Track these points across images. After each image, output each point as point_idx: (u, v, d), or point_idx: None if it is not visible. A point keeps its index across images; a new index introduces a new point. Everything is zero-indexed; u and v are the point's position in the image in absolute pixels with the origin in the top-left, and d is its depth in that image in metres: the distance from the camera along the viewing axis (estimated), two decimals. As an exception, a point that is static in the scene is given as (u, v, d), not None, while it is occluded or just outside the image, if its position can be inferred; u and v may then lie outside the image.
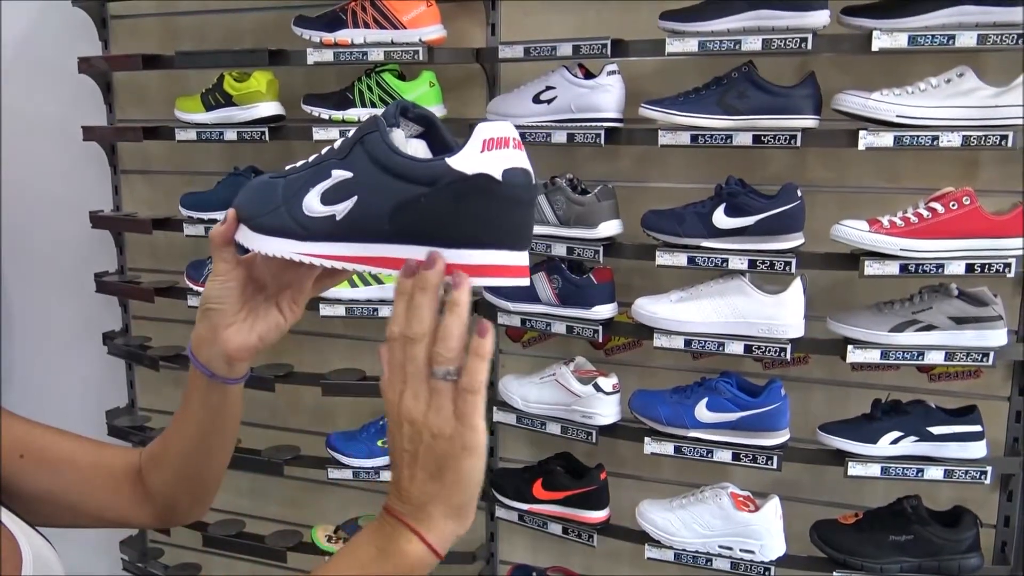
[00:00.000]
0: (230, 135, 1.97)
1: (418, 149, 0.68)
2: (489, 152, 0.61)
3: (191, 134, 2.01)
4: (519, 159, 0.62)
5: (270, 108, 1.96)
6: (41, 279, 2.55)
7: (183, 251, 2.22)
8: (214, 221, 2.01)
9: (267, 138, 1.96)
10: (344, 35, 1.84)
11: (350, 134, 0.67)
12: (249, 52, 1.96)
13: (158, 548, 2.46)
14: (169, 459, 0.86)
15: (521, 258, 0.63)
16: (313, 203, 0.67)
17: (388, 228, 0.63)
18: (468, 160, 0.61)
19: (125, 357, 2.36)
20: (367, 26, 1.83)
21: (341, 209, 0.65)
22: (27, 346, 2.62)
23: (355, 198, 0.65)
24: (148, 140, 2.10)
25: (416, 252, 0.63)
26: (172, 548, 2.42)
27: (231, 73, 1.97)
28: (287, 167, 0.72)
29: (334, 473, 2.02)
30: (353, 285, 1.92)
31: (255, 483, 2.30)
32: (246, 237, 0.71)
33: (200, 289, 2.05)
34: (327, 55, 1.84)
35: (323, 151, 0.69)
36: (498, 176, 0.61)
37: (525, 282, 0.63)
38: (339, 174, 0.66)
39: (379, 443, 1.99)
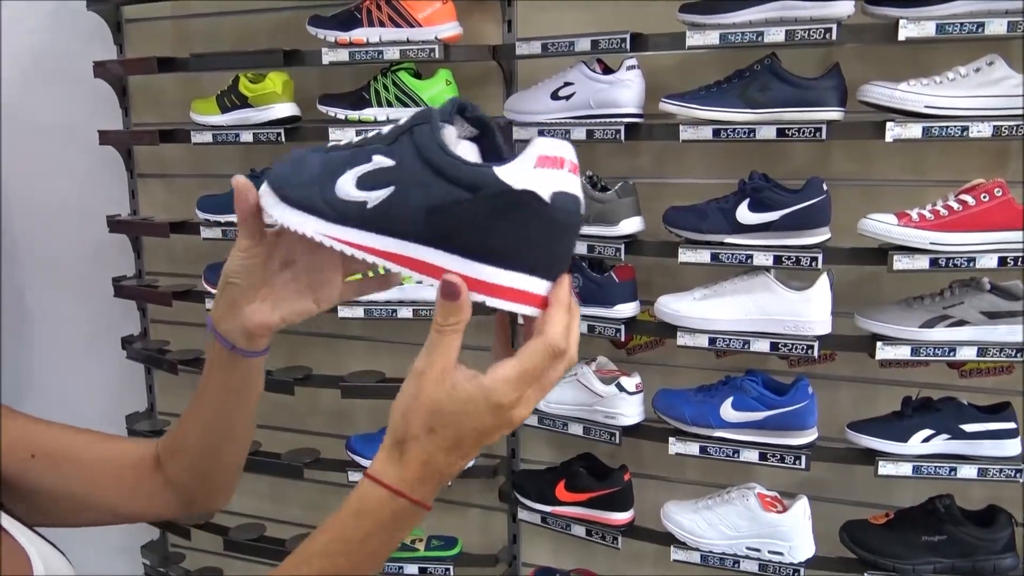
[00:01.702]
0: (246, 137, 1.96)
1: (468, 152, 0.65)
2: (542, 169, 0.57)
3: (207, 136, 2.00)
4: (571, 184, 0.59)
5: (286, 109, 1.95)
6: (60, 284, 2.55)
7: (200, 254, 2.21)
8: (231, 224, 2.01)
9: (283, 139, 1.94)
10: (359, 34, 1.82)
11: (401, 121, 0.64)
12: (264, 53, 1.94)
13: (179, 552, 2.45)
14: (188, 444, 0.83)
15: (544, 288, 0.60)
16: (347, 186, 0.63)
17: (419, 227, 0.60)
18: (518, 174, 0.57)
19: (144, 361, 2.36)
20: (382, 24, 1.81)
21: (374, 197, 0.62)
22: (47, 351, 2.63)
23: (392, 188, 0.61)
24: (164, 143, 2.09)
25: (441, 258, 0.60)
26: (193, 552, 2.41)
27: (246, 74, 1.96)
28: (330, 144, 0.69)
29: (354, 476, 2.00)
30: (371, 286, 1.90)
31: (275, 486, 2.29)
32: (271, 205, 0.67)
33: (218, 292, 2.04)
34: (342, 55, 1.83)
35: (369, 133, 0.66)
36: (546, 197, 0.57)
37: (536, 313, 0.60)
38: (380, 160, 0.62)
39: (399, 445, 1.96)
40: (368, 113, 1.87)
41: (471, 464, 1.95)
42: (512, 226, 0.58)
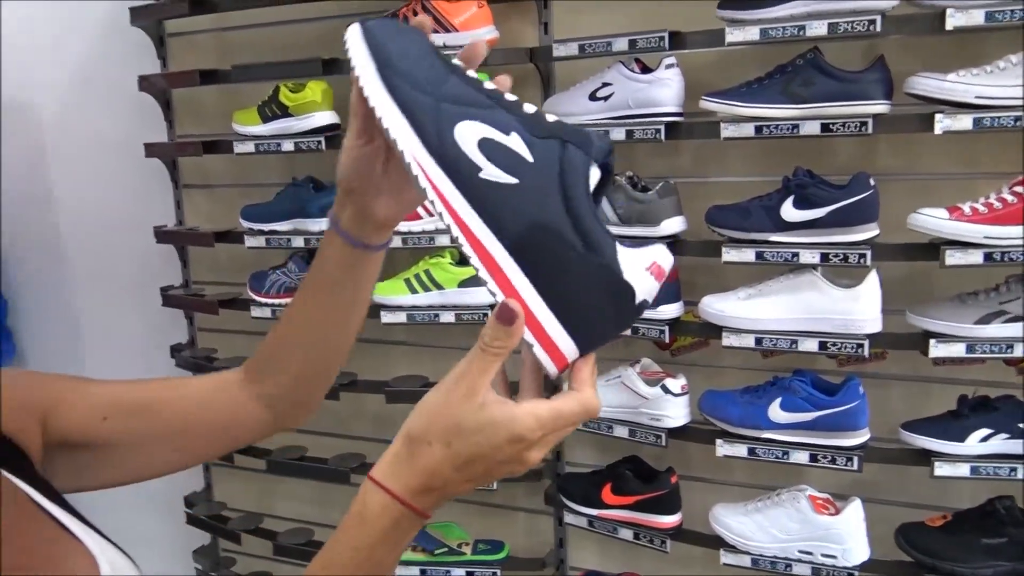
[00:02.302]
0: (287, 146, 1.98)
1: None
2: (648, 275, 0.59)
3: (249, 146, 2.03)
4: (654, 293, 0.60)
5: (326, 117, 1.96)
6: (110, 294, 2.61)
7: (245, 263, 2.24)
8: (275, 232, 2.04)
9: (323, 147, 1.96)
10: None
11: (551, 118, 0.61)
12: (303, 63, 1.97)
13: (230, 557, 2.49)
14: (288, 353, 0.84)
15: (573, 355, 0.60)
16: (470, 138, 0.59)
17: (516, 234, 0.59)
18: (631, 266, 0.58)
19: (192, 369, 2.39)
20: (419, 31, 1.82)
21: (493, 174, 0.59)
22: (99, 360, 2.68)
23: (515, 181, 0.59)
24: (208, 154, 2.12)
25: (517, 276, 0.59)
26: (244, 557, 2.45)
27: (286, 84, 1.98)
28: (454, 58, 0.64)
29: (400, 481, 2.01)
30: (413, 291, 1.91)
31: (322, 491, 2.31)
32: (371, 83, 0.61)
33: (264, 300, 2.07)
34: (380, 62, 1.83)
35: (507, 95, 0.62)
36: (637, 299, 0.59)
37: (553, 372, 0.61)
38: (517, 144, 0.60)
39: (444, 450, 1.97)
40: None
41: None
42: (595, 299, 0.58)
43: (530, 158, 0.59)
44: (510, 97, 0.62)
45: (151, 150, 2.25)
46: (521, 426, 0.59)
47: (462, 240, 0.60)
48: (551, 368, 0.60)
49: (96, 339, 2.68)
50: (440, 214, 0.60)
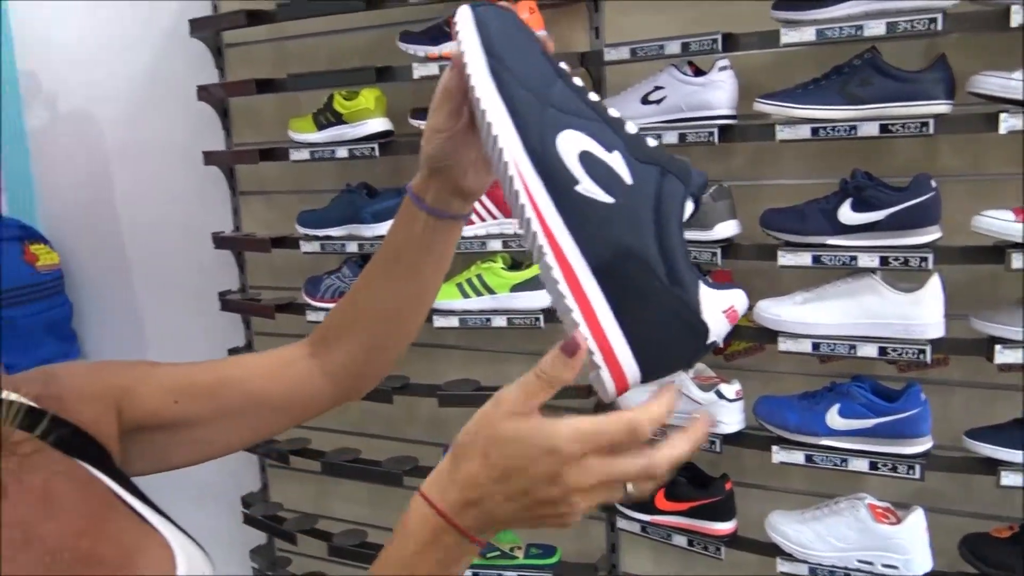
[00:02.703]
0: (341, 153, 2.01)
1: None
2: (724, 318, 0.59)
3: (304, 154, 2.07)
4: (724, 335, 0.60)
5: (379, 124, 1.99)
6: (171, 300, 2.67)
7: (300, 268, 2.28)
8: (330, 238, 2.07)
9: (377, 154, 1.99)
10: (449, 47, 1.84)
11: (651, 142, 0.60)
12: (357, 71, 2.00)
13: (286, 557, 2.53)
14: (359, 326, 0.85)
15: (633, 382, 0.59)
16: (571, 148, 0.58)
17: (602, 255, 0.57)
18: (710, 306, 0.58)
19: (249, 372, 2.44)
20: (471, 37, 1.83)
21: (589, 189, 0.58)
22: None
23: (611, 201, 0.58)
24: (264, 162, 2.17)
25: (597, 298, 0.58)
26: (299, 557, 2.49)
27: (340, 92, 2.02)
28: (563, 64, 0.63)
29: (452, 484, 2.02)
30: (465, 296, 1.92)
31: (376, 493, 2.34)
32: (480, 76, 0.59)
33: (319, 304, 2.10)
34: (432, 68, 1.85)
35: (612, 111, 0.61)
36: (709, 339, 0.59)
37: (610, 392, 0.59)
38: (618, 163, 0.59)
39: (496, 454, 1.98)
40: (448, 46, 1.88)
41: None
42: (669, 332, 0.58)
43: (629, 180, 0.59)
44: (613, 113, 0.61)
45: (209, 158, 2.30)
46: (557, 439, 0.58)
47: (546, 249, 0.59)
48: (610, 389, 0.59)
49: (157, 342, 2.75)
50: (528, 220, 0.59)
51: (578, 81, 0.62)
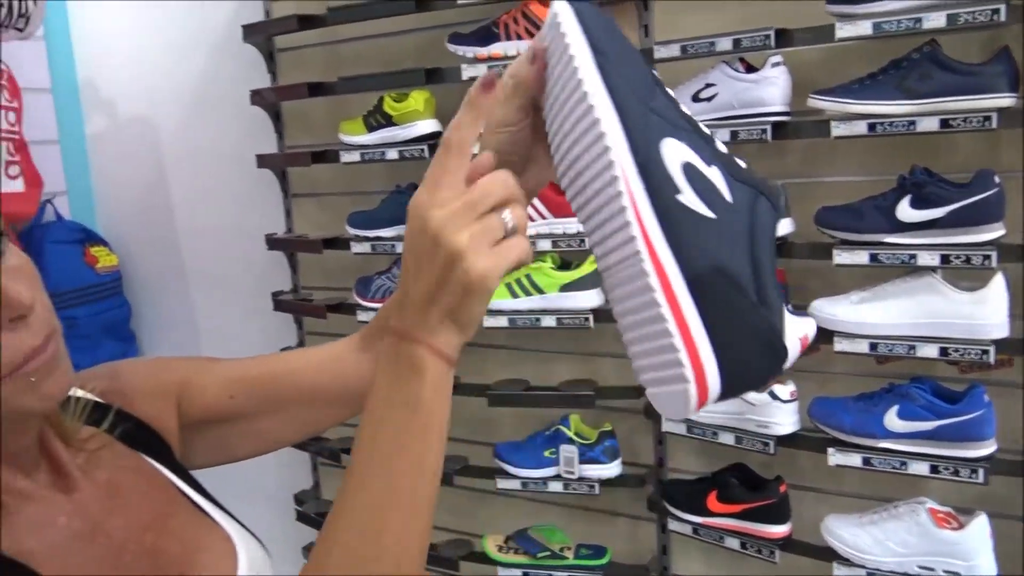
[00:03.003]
0: (391, 154, 2.03)
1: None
2: (797, 343, 0.59)
3: (355, 156, 2.09)
4: (788, 362, 0.60)
5: (428, 126, 2.00)
6: (225, 301, 2.72)
7: (351, 268, 2.31)
8: (380, 239, 2.09)
9: (426, 155, 2.00)
10: (498, 48, 1.85)
11: (741, 163, 0.60)
12: (406, 73, 2.01)
13: (337, 554, 2.56)
14: None
15: (713, 397, 0.58)
16: (674, 157, 0.57)
17: (697, 269, 0.57)
18: (791, 333, 0.59)
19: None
20: (519, 38, 1.84)
21: (691, 202, 0.57)
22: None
23: (712, 217, 0.57)
24: (316, 164, 2.19)
25: (690, 310, 0.57)
26: (350, 554, 2.51)
27: (390, 94, 2.03)
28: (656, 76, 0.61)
29: (502, 483, 2.03)
30: (514, 295, 1.92)
31: (425, 492, 2.35)
32: (588, 72, 0.58)
33: (370, 304, 2.12)
34: (481, 69, 1.86)
35: (703, 126, 0.61)
36: (785, 364, 0.59)
37: (693, 404, 0.59)
38: (718, 179, 0.58)
39: (546, 453, 1.98)
40: (497, 48, 1.87)
41: (617, 472, 1.93)
42: (754, 351, 0.58)
43: (729, 198, 0.58)
44: (704, 129, 0.61)
45: (262, 161, 2.34)
46: (412, 201, 0.60)
47: (644, 256, 0.57)
48: (692, 403, 0.58)
49: (212, 341, 2.80)
50: (627, 223, 0.58)
51: (671, 92, 0.62)
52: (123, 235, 2.82)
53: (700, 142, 0.59)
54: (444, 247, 0.58)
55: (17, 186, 2.28)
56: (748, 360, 0.58)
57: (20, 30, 2.22)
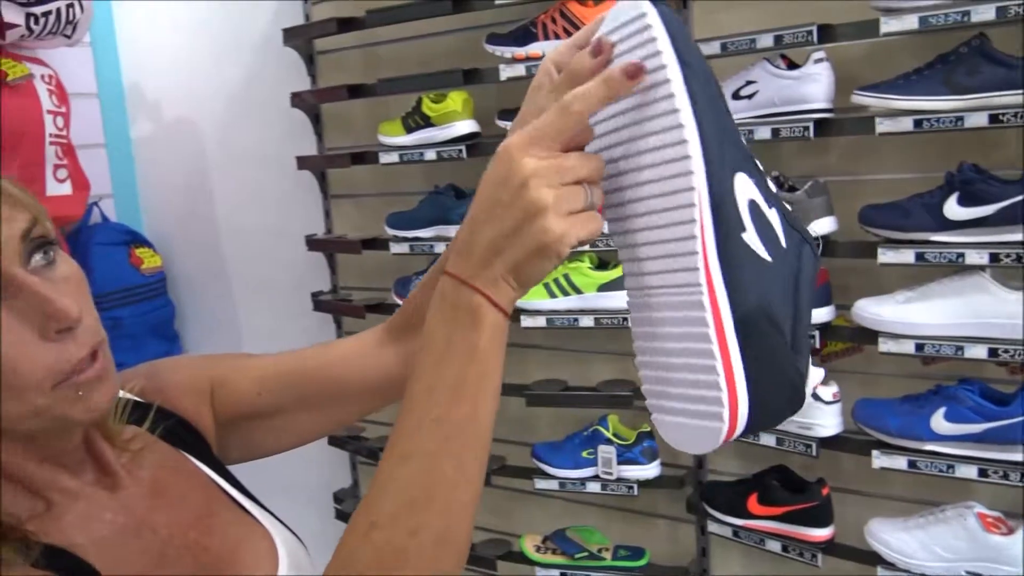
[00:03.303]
0: (430, 155, 2.04)
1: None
2: (810, 391, 0.61)
3: (393, 157, 2.10)
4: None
5: (466, 126, 2.01)
6: (266, 299, 2.76)
7: (389, 269, 2.32)
8: (418, 239, 2.10)
9: (464, 155, 2.00)
10: (536, 48, 1.85)
11: (790, 206, 0.61)
12: (445, 74, 2.02)
13: (375, 552, 2.58)
14: None
15: (739, 430, 0.58)
16: (743, 193, 0.57)
17: (746, 307, 0.56)
18: (811, 380, 0.61)
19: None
20: (558, 37, 1.83)
21: (753, 242, 0.57)
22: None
23: (769, 259, 0.57)
24: (355, 165, 2.21)
25: (730, 338, 0.57)
26: (388, 553, 2.53)
27: (428, 95, 2.04)
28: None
29: (540, 483, 2.03)
30: (552, 296, 1.92)
31: (463, 492, 2.36)
32: (678, 84, 0.56)
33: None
34: (519, 69, 1.86)
35: (758, 163, 0.60)
36: (796, 411, 0.60)
37: (722, 436, 0.58)
38: (776, 222, 0.58)
39: (584, 453, 1.97)
40: (535, 47, 1.86)
41: (656, 473, 1.92)
42: (780, 394, 0.58)
43: (783, 243, 0.58)
44: (759, 165, 0.61)
45: (302, 163, 2.37)
46: (503, 144, 0.59)
47: (704, 289, 0.56)
48: (720, 439, 0.58)
49: (253, 340, 2.84)
50: (693, 254, 0.56)
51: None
52: (167, 236, 2.87)
53: (762, 179, 0.59)
54: (528, 196, 0.57)
55: (65, 189, 2.33)
56: (773, 404, 0.58)
57: (68, 37, 2.27)
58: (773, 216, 0.58)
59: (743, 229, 0.56)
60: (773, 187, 0.60)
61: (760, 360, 0.57)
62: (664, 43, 0.56)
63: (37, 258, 0.61)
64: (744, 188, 0.57)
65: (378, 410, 0.92)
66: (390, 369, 0.88)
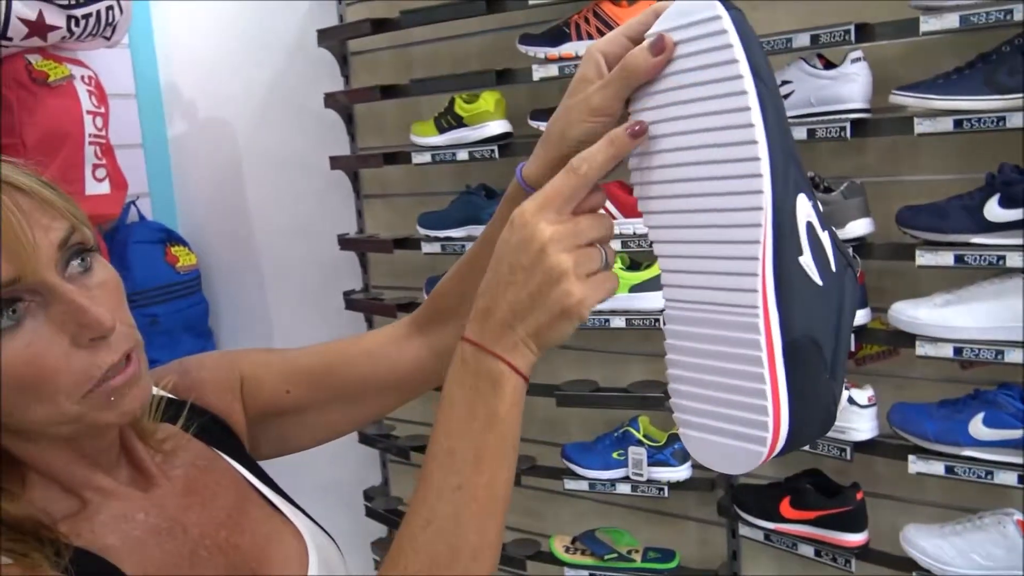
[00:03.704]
0: (462, 155, 2.04)
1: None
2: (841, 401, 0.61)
3: (426, 157, 2.11)
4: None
5: (499, 126, 2.01)
6: (298, 297, 2.78)
7: (421, 268, 2.33)
8: (450, 239, 2.10)
9: (496, 156, 2.01)
10: (568, 48, 1.84)
11: (835, 229, 0.61)
12: (477, 74, 2.03)
13: (405, 550, 2.59)
14: (470, 297, 0.81)
15: (777, 449, 0.58)
16: (803, 214, 0.55)
17: (794, 332, 0.56)
18: (841, 405, 0.62)
19: (371, 369, 2.51)
20: (591, 37, 1.82)
21: (808, 265, 0.56)
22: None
23: (820, 284, 0.56)
24: (387, 165, 2.22)
25: (777, 360, 0.56)
26: (417, 551, 2.54)
27: (461, 96, 2.05)
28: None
29: (570, 484, 2.02)
30: (583, 296, 1.91)
31: (492, 491, 2.36)
32: (752, 95, 0.53)
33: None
34: (552, 70, 1.86)
35: (823, 214, 0.59)
36: (824, 434, 0.62)
37: (763, 454, 0.58)
38: (828, 246, 0.57)
39: (614, 455, 1.97)
40: (568, 48, 1.86)
41: (686, 475, 1.91)
42: (815, 418, 0.58)
43: (834, 268, 0.57)
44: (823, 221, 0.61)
45: (335, 163, 2.38)
46: (519, 211, 0.60)
47: (759, 312, 0.55)
48: (758, 461, 0.58)
49: (285, 338, 2.87)
50: (752, 276, 0.55)
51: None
52: (202, 235, 2.91)
53: (816, 200, 0.58)
54: (549, 261, 0.59)
55: (103, 189, 2.37)
56: (808, 427, 0.58)
57: (107, 38, 2.31)
58: (826, 239, 0.57)
59: (800, 252, 0.55)
60: (820, 207, 0.60)
61: (802, 386, 0.56)
62: (740, 52, 0.54)
63: (74, 265, 0.62)
64: (804, 209, 0.56)
65: (403, 404, 0.93)
66: (417, 362, 0.88)
